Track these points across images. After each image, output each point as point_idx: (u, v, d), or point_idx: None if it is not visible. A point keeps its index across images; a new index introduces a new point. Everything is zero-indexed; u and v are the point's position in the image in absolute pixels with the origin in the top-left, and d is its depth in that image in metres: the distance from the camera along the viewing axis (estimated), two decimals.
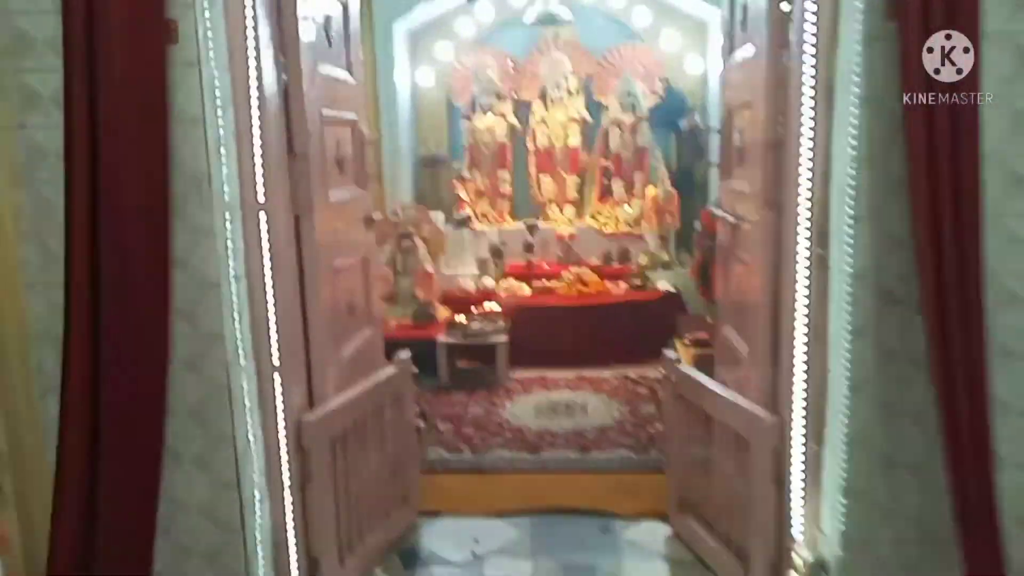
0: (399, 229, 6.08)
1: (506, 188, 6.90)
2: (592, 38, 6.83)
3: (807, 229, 2.47)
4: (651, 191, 6.57)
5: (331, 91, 3.03)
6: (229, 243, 2.36)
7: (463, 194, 6.66)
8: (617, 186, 6.76)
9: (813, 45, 2.36)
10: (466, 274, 6.47)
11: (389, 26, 6.44)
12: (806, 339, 2.51)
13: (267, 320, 2.56)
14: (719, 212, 3.47)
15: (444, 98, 7.02)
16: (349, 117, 3.27)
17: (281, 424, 2.64)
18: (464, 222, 6.65)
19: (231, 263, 2.37)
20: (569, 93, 6.81)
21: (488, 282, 6.27)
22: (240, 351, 2.43)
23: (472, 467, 4.23)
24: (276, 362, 2.60)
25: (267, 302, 2.56)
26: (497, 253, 6.56)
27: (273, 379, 2.60)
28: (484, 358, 5.81)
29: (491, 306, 5.87)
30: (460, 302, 6.22)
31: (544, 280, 6.36)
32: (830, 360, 2.41)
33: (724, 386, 3.10)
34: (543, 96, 6.84)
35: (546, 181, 6.84)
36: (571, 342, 5.96)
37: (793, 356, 2.56)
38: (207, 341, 2.32)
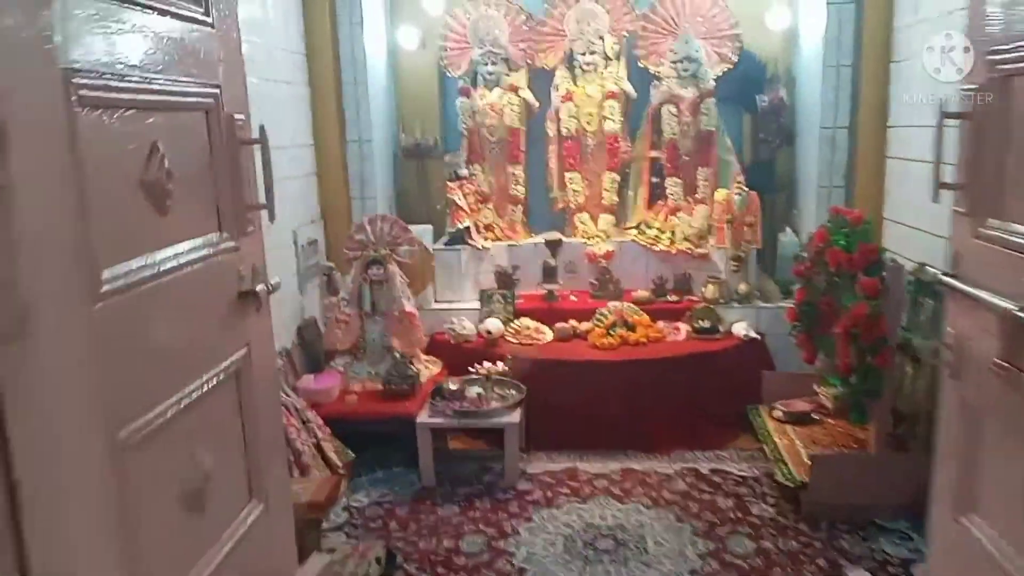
0: (367, 252, 4.23)
1: (519, 190, 5.03)
2: None
3: None
4: (721, 194, 4.70)
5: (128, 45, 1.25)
6: None
7: (459, 199, 4.80)
8: (673, 186, 4.87)
9: None
10: (462, 312, 4.63)
11: None
12: None
13: None
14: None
15: (434, 67, 5.16)
16: (191, 92, 1.49)
17: None
18: (460, 238, 4.80)
19: None
20: (606, 59, 4.93)
21: (493, 325, 4.42)
22: None
23: None
24: None
25: None
26: (506, 281, 4.71)
27: None
28: (486, 442, 4.02)
29: (494, 367, 4.02)
30: (454, 354, 4.39)
31: (572, 323, 4.50)
32: None
33: None
34: (570, 63, 4.96)
35: (574, 180, 4.97)
36: (612, 415, 4.13)
37: None
38: None
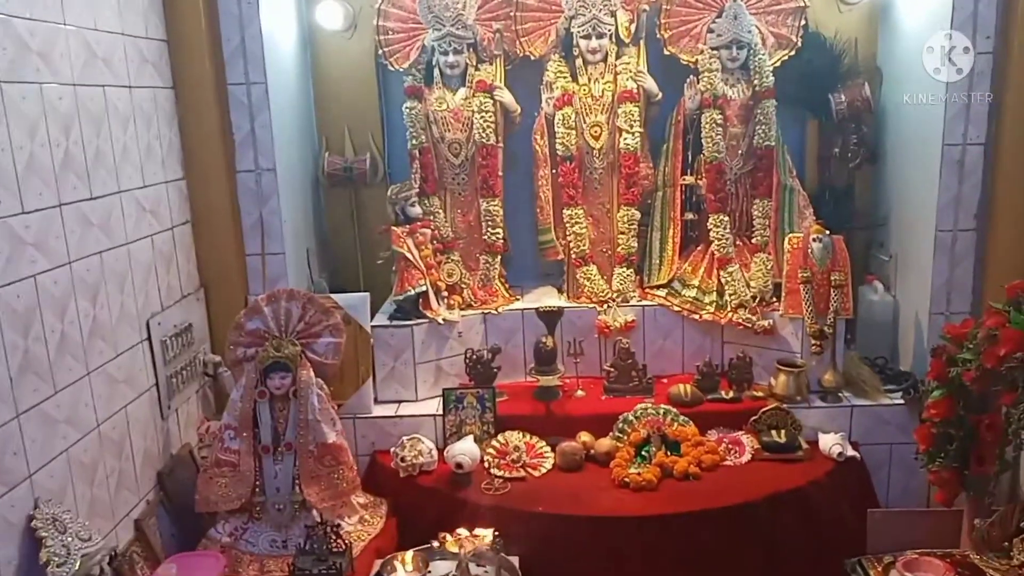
0: (263, 351, 2.69)
1: (496, 235, 3.50)
2: None
3: None
4: (793, 239, 3.24)
5: None
6: None
7: (409, 252, 3.24)
8: (718, 227, 3.39)
9: None
10: (417, 421, 3.11)
11: None
12: None
13: None
14: None
15: (369, 56, 3.60)
16: None
17: None
18: (412, 308, 3.27)
19: None
20: (619, 44, 3.42)
21: (466, 453, 2.90)
22: None
23: None
24: None
25: None
26: (482, 372, 3.21)
27: None
28: None
29: (472, 537, 2.53)
30: (405, 492, 2.91)
31: (583, 437, 3.03)
32: None
33: None
34: (566, 51, 3.44)
35: (576, 219, 3.45)
36: None
37: None
38: None
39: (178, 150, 2.96)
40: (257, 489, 2.68)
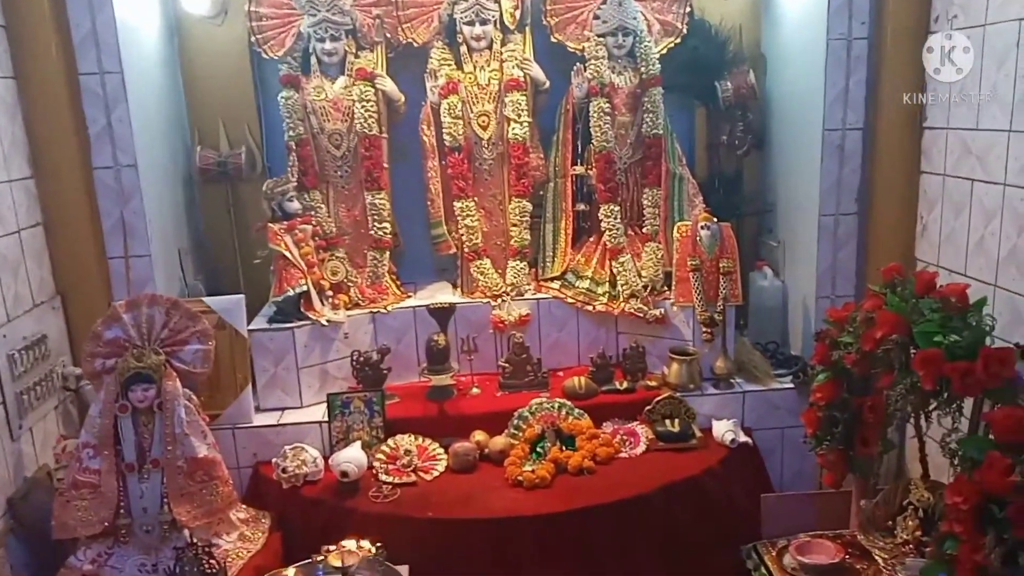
0: (124, 361, 2.49)
1: (383, 229, 3.35)
2: None
3: None
4: (682, 227, 3.22)
5: None
6: None
7: (287, 249, 3.07)
8: (609, 217, 3.33)
9: None
10: (301, 429, 2.95)
11: None
12: None
13: None
14: None
15: (242, 44, 3.39)
16: None
17: None
18: (293, 309, 3.10)
19: None
20: (504, 31, 3.33)
21: (352, 462, 2.76)
22: None
23: None
24: None
25: None
26: (371, 374, 3.07)
27: None
28: None
29: (357, 548, 2.40)
30: (289, 505, 2.75)
31: (478, 437, 2.93)
32: None
33: None
34: (450, 37, 3.32)
35: (467, 211, 3.34)
36: None
37: None
38: None
39: (23, 145, 2.71)
40: (122, 511, 2.47)
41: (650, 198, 3.35)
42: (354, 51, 3.27)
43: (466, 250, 3.36)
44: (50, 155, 2.78)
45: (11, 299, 2.55)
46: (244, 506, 2.74)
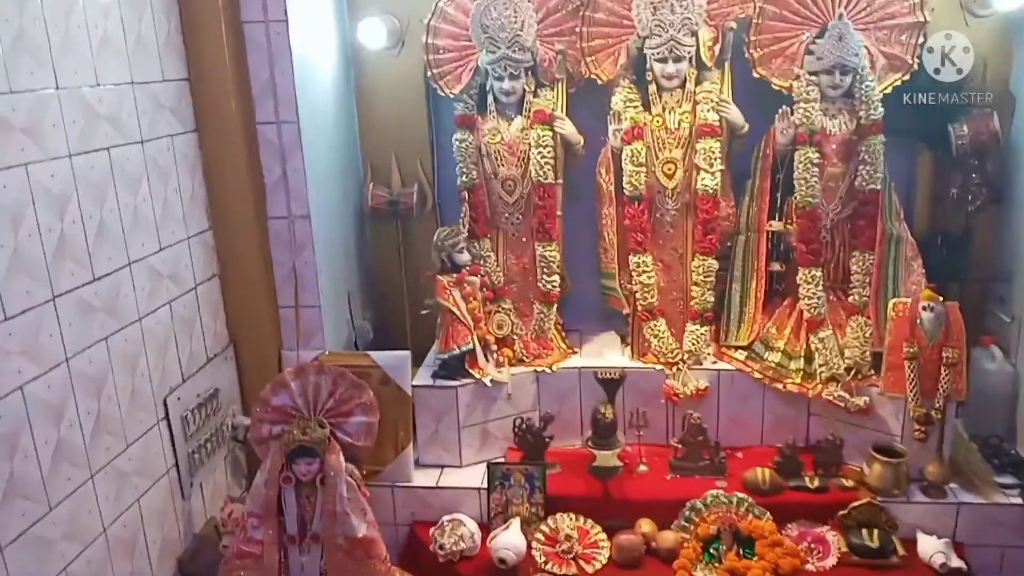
0: (290, 432, 2.44)
1: (552, 282, 3.13)
2: None
3: None
4: (897, 304, 2.78)
5: None
6: None
7: (455, 304, 2.92)
8: (809, 283, 2.94)
9: None
10: (459, 495, 2.84)
11: None
12: None
13: None
14: None
15: (418, 76, 3.23)
16: None
17: None
18: (458, 366, 2.96)
19: None
20: (699, 64, 2.97)
21: (509, 548, 2.61)
22: None
23: None
24: None
25: None
26: (532, 442, 2.90)
27: None
28: None
29: None
30: None
31: (644, 527, 2.70)
32: None
33: None
34: (638, 75, 3.00)
35: (643, 266, 3.06)
36: None
37: None
38: None
39: (203, 200, 2.70)
40: None
41: (860, 263, 2.92)
42: (533, 89, 3.02)
43: (639, 308, 3.08)
44: (227, 206, 2.76)
45: (185, 359, 2.57)
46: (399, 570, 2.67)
